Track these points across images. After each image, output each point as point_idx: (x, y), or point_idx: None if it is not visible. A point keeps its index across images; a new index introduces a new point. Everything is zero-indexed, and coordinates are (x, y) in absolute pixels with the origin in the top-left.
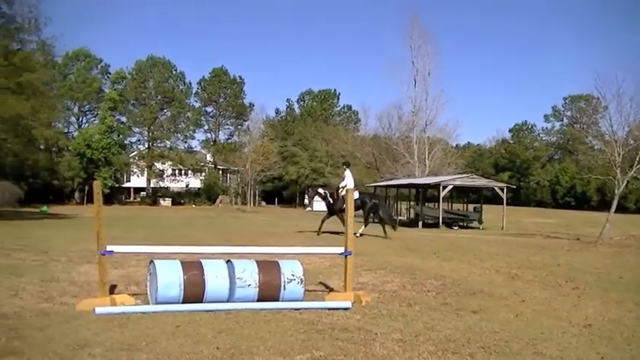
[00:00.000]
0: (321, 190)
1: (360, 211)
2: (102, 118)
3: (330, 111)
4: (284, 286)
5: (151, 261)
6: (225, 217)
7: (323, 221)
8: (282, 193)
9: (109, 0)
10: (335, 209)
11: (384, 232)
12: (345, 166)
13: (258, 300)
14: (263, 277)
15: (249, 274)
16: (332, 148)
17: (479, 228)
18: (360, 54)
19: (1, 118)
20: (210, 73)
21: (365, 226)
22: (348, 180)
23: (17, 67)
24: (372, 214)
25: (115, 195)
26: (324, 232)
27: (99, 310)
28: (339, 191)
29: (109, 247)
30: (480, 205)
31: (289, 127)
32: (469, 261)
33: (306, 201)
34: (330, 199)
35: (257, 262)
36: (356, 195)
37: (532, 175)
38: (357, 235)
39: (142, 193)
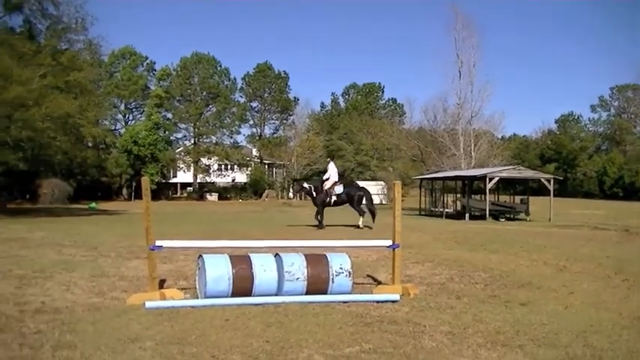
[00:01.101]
0: (305, 185)
1: (339, 205)
2: (148, 115)
3: (375, 104)
4: (332, 279)
5: (200, 255)
6: (272, 212)
7: (321, 215)
8: None
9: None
10: (317, 202)
11: (373, 221)
12: (329, 159)
13: (307, 293)
14: (311, 270)
15: (297, 268)
16: (377, 141)
17: (526, 220)
18: (404, 46)
19: (51, 117)
20: (254, 69)
21: (362, 217)
22: (332, 172)
23: (65, 67)
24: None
25: (162, 191)
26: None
27: (149, 304)
28: (323, 184)
29: (158, 243)
30: (526, 196)
31: (334, 121)
32: (517, 253)
33: (291, 194)
34: (314, 193)
35: (305, 255)
36: (341, 189)
37: (579, 167)
38: (361, 227)
39: (188, 188)
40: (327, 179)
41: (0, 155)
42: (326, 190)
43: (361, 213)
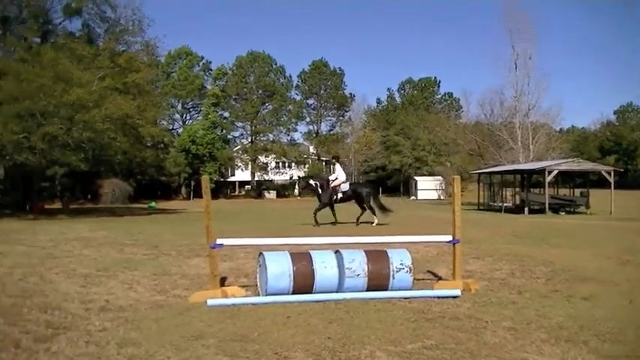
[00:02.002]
0: (312, 182)
1: (345, 202)
2: (205, 114)
3: (431, 99)
4: (393, 275)
5: (261, 253)
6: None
7: (333, 212)
8: (386, 182)
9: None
10: (322, 199)
11: (357, 218)
12: (334, 160)
13: (368, 289)
14: (372, 266)
15: (358, 264)
16: (434, 136)
17: (586, 213)
18: (459, 40)
19: (110, 118)
20: (310, 66)
21: (375, 214)
22: (339, 173)
23: (123, 68)
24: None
25: (221, 189)
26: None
27: (211, 302)
28: (330, 183)
29: (218, 241)
30: (586, 189)
31: (391, 117)
32: (578, 247)
33: (296, 191)
34: (320, 190)
35: (366, 251)
36: (347, 187)
37: None
38: (374, 224)
39: (246, 186)
40: (335, 179)
41: (62, 156)
42: (333, 188)
43: (373, 211)
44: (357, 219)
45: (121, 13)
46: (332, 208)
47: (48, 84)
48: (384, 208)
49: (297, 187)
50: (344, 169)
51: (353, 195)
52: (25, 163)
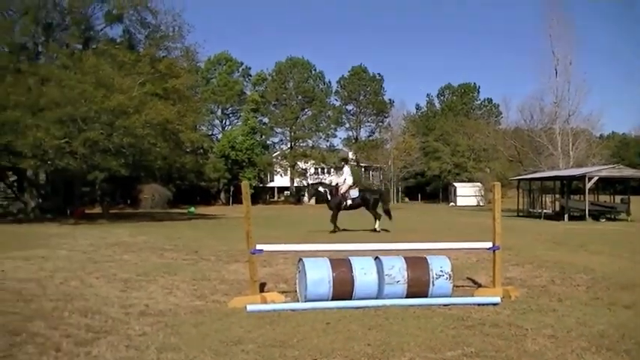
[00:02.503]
0: (321, 188)
1: (355, 209)
2: (244, 120)
3: (471, 105)
4: (433, 282)
5: (300, 259)
6: (369, 214)
7: (334, 218)
8: (425, 188)
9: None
10: (332, 206)
11: (375, 226)
12: (343, 163)
13: (407, 296)
14: (412, 273)
15: (397, 271)
16: (474, 142)
17: (627, 220)
18: (498, 45)
19: (150, 124)
20: (349, 72)
21: (378, 220)
22: (347, 177)
23: (163, 74)
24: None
25: (260, 195)
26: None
27: (250, 307)
28: (339, 188)
29: (258, 246)
30: (627, 196)
31: (430, 123)
32: (619, 254)
33: (306, 198)
34: (329, 196)
35: (405, 258)
36: (356, 193)
37: None
38: (378, 230)
39: (285, 192)
40: (343, 183)
41: (103, 162)
42: (342, 194)
43: (377, 216)
44: (375, 228)
45: (161, 20)
46: (338, 211)
47: (89, 90)
48: (389, 215)
49: (306, 193)
50: (383, 175)
51: (362, 202)
52: (67, 168)
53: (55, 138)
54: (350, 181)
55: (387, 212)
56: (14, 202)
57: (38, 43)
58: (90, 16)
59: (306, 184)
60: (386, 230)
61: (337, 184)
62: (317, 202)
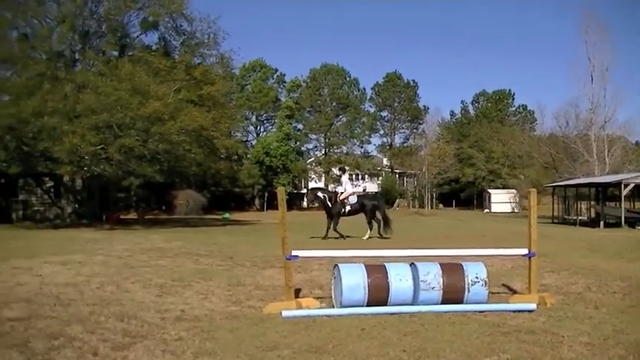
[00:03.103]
0: (320, 194)
1: (353, 215)
2: (279, 126)
3: (505, 111)
4: (468, 288)
5: (336, 265)
6: (404, 221)
7: (335, 224)
8: (459, 195)
9: (282, 12)
10: (332, 212)
11: (379, 232)
12: (341, 172)
13: (442, 302)
14: (447, 279)
15: (433, 277)
16: (508, 149)
17: None
18: (534, 52)
19: (185, 130)
20: (384, 78)
21: (370, 229)
22: (347, 185)
23: (198, 81)
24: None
25: (294, 201)
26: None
27: (285, 313)
28: (338, 196)
29: (294, 252)
30: None
31: (464, 129)
32: None
33: (305, 203)
34: (329, 203)
35: (441, 264)
36: (355, 199)
37: None
38: (365, 238)
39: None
40: (343, 192)
41: (138, 168)
42: (341, 200)
43: (371, 225)
44: (380, 233)
45: (196, 27)
46: (329, 222)
47: (125, 97)
48: (387, 223)
49: (305, 198)
50: (417, 181)
51: (360, 208)
52: (102, 174)
53: (91, 144)
54: (350, 190)
55: (385, 220)
56: (51, 208)
57: (75, 51)
58: (126, 23)
59: (307, 190)
60: (383, 236)
61: (337, 191)
62: (309, 206)
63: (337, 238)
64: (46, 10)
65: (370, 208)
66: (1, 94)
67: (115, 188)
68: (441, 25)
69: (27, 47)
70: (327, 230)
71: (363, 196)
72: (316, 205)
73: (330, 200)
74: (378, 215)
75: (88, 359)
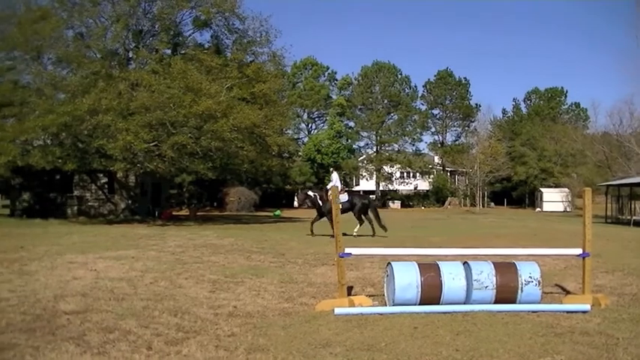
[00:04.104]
0: (310, 193)
1: (344, 213)
2: (330, 124)
3: (558, 109)
4: (521, 288)
5: (389, 263)
6: (455, 219)
7: (313, 223)
8: (510, 193)
9: (333, 9)
10: (324, 211)
11: (373, 230)
12: (332, 169)
13: (495, 302)
14: (500, 279)
15: (486, 276)
16: (560, 147)
17: None
18: (587, 49)
19: (238, 128)
20: (435, 76)
21: (360, 225)
22: (337, 182)
23: (250, 79)
24: (363, 215)
25: None
26: (317, 235)
27: (338, 310)
28: (328, 194)
29: (347, 250)
30: None
31: (516, 127)
32: None
33: (296, 203)
34: (320, 202)
35: (494, 263)
36: (345, 197)
37: None
38: (355, 235)
39: (371, 196)
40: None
41: (191, 165)
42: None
43: (360, 222)
44: (374, 230)
45: (249, 25)
46: (315, 220)
47: (178, 94)
48: (379, 221)
49: (296, 198)
50: (469, 180)
51: (350, 206)
52: (155, 170)
53: (145, 141)
54: (339, 185)
55: (377, 218)
56: (105, 204)
57: (129, 49)
58: (179, 22)
59: (298, 190)
60: (373, 234)
61: (327, 189)
62: (300, 206)
63: (308, 234)
64: (101, 10)
65: (360, 206)
66: (58, 93)
67: (168, 185)
68: (494, 22)
69: (82, 46)
70: (333, 228)
71: (353, 195)
72: (308, 204)
73: (321, 199)
74: (370, 214)
75: (143, 353)
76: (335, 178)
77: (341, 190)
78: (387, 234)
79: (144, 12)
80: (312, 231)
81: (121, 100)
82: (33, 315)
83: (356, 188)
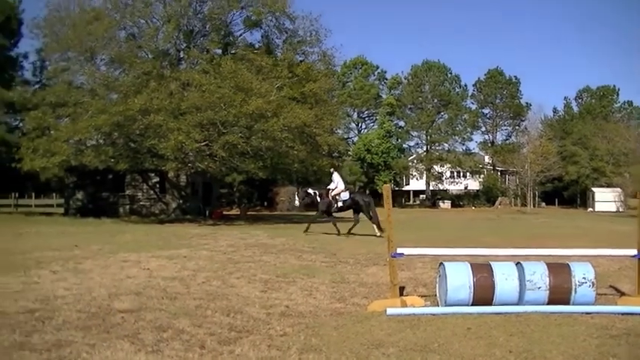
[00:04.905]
0: (310, 191)
1: (345, 211)
2: (380, 123)
3: (610, 108)
4: (575, 289)
5: (441, 263)
6: (506, 219)
7: (310, 222)
8: (562, 193)
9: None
10: (322, 208)
11: (377, 230)
12: (332, 169)
13: (549, 303)
14: (553, 279)
15: (539, 277)
16: (613, 146)
17: None
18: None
19: (288, 127)
20: (485, 75)
21: (376, 225)
22: (338, 182)
23: (301, 78)
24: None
25: (395, 198)
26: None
27: (390, 310)
28: (329, 192)
29: (399, 250)
30: None
31: (567, 126)
32: None
33: (297, 202)
34: (318, 199)
35: (547, 264)
36: (347, 195)
37: None
38: (379, 235)
39: (421, 195)
40: (334, 188)
41: (241, 164)
42: (333, 197)
43: (373, 220)
44: (349, 229)
45: (299, 25)
46: (329, 215)
47: (228, 94)
48: (377, 221)
49: (296, 196)
50: (519, 179)
51: (352, 203)
52: (206, 170)
53: (196, 141)
54: (342, 186)
55: (373, 218)
56: (156, 203)
57: (180, 50)
58: (229, 22)
59: (298, 188)
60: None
61: (328, 188)
62: (306, 205)
63: (305, 231)
64: (153, 11)
65: (363, 204)
66: (110, 93)
67: (218, 184)
68: (543, 21)
69: (134, 47)
70: (335, 226)
71: (355, 193)
72: (307, 202)
73: (320, 197)
74: (371, 214)
75: (196, 352)
76: (337, 179)
77: (343, 189)
78: (384, 234)
79: (195, 12)
80: (307, 228)
81: (172, 99)
82: (88, 313)
83: (406, 188)
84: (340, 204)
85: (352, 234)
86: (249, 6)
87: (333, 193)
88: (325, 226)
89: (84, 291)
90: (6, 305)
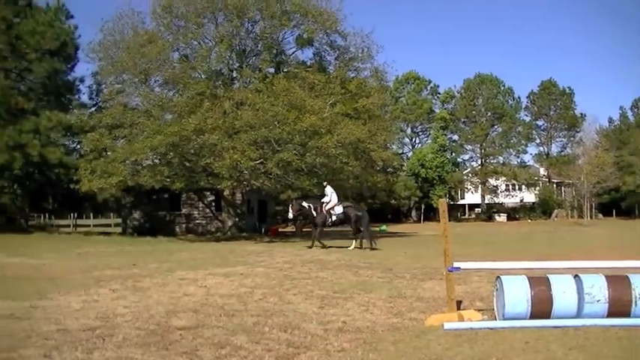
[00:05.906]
0: (305, 204)
1: (338, 225)
2: (434, 138)
3: None
4: (635, 301)
5: (498, 277)
6: (563, 231)
7: (320, 233)
8: (619, 204)
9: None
10: (316, 222)
11: (361, 244)
12: (326, 183)
13: (608, 316)
14: (613, 292)
15: (598, 289)
16: None
17: None
18: None
19: (342, 143)
20: (539, 86)
21: (356, 239)
22: (331, 196)
23: (353, 94)
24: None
25: (450, 212)
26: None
27: (448, 325)
28: (323, 206)
29: (455, 264)
30: None
31: (624, 136)
32: None
33: (290, 214)
34: (314, 212)
35: (606, 276)
36: (340, 209)
37: None
38: (351, 248)
39: (476, 209)
40: (328, 202)
41: (296, 181)
42: (327, 211)
43: (357, 236)
44: (372, 246)
45: (350, 41)
46: (316, 232)
47: (282, 112)
48: (370, 236)
49: (290, 210)
50: (575, 191)
51: (345, 218)
52: (261, 188)
53: (251, 159)
54: (335, 200)
55: (367, 234)
56: (212, 221)
57: (233, 69)
58: (281, 40)
59: (291, 200)
60: (372, 248)
61: (321, 202)
62: (296, 219)
63: (321, 247)
64: (205, 32)
65: (355, 218)
66: (165, 113)
67: (273, 201)
68: (596, 31)
69: (187, 67)
70: (313, 240)
71: (348, 207)
72: (301, 217)
73: (315, 210)
74: (363, 228)
75: None
76: (330, 192)
77: (336, 203)
78: (378, 251)
79: (247, 32)
80: (321, 242)
81: (226, 119)
82: (147, 330)
83: (461, 202)
84: (334, 217)
85: (375, 249)
86: (300, 24)
87: (327, 207)
88: (381, 242)
89: (142, 309)
90: (68, 323)
